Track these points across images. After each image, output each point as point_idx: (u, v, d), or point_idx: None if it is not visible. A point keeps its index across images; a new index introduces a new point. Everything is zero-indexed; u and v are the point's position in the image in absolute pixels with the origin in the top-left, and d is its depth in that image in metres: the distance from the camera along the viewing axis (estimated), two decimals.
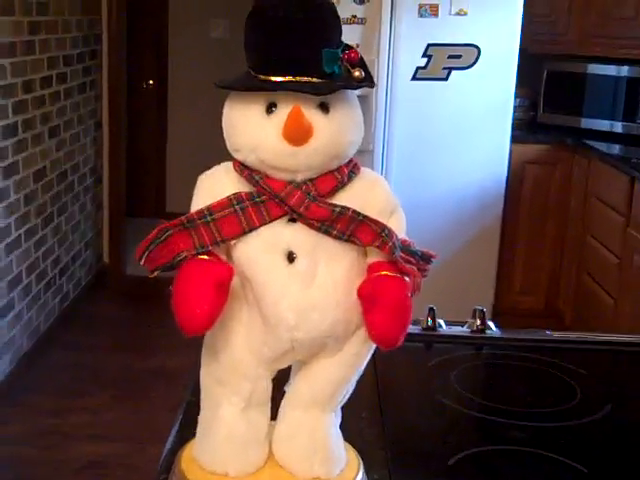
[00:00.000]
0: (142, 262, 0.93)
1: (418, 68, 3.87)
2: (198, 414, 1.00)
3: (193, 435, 1.01)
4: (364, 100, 0.89)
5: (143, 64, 5.99)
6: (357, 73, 0.92)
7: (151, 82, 6.10)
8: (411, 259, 0.94)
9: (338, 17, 0.92)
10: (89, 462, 3.05)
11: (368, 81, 0.93)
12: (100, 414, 3.40)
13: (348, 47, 0.93)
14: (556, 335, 1.48)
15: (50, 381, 3.67)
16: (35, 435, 3.21)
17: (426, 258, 0.96)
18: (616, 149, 4.03)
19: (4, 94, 3.41)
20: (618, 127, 4.19)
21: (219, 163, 0.98)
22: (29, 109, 3.71)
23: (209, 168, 0.98)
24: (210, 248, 0.91)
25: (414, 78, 3.89)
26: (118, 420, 3.36)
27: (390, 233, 0.92)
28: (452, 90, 3.90)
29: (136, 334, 4.25)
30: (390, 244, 0.91)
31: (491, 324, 1.47)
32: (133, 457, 3.07)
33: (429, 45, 3.83)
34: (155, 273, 0.94)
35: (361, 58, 0.94)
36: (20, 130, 3.60)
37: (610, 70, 4.19)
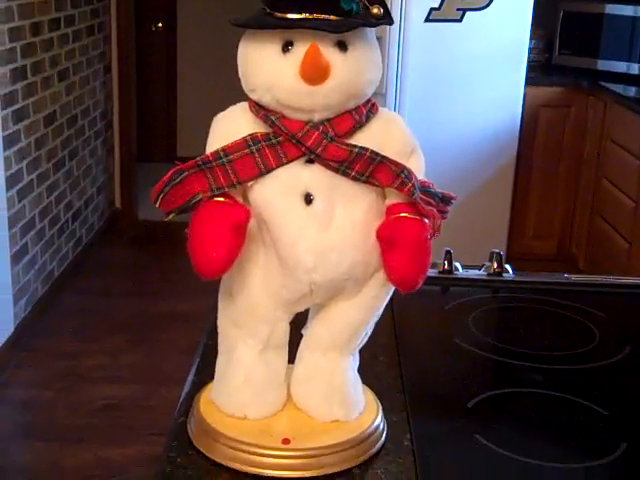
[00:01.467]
0: (157, 204, 0.92)
1: (432, 9, 3.80)
2: (215, 358, 1.00)
3: (211, 379, 1.01)
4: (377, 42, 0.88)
5: (151, 6, 5.91)
6: (375, 10, 0.90)
7: (160, 24, 6.02)
8: (431, 200, 0.92)
9: None
10: (105, 404, 3.09)
11: (387, 18, 0.91)
12: (115, 357, 3.43)
13: None
14: (574, 278, 1.47)
15: (65, 325, 3.70)
16: (51, 378, 3.25)
17: (446, 200, 0.95)
18: (632, 91, 3.97)
19: (12, 37, 3.37)
20: (635, 69, 4.12)
21: (230, 105, 0.96)
22: (38, 52, 3.67)
23: (220, 111, 0.96)
24: (226, 190, 0.90)
25: (427, 20, 3.82)
26: (133, 363, 3.39)
27: (409, 174, 0.90)
28: (466, 32, 3.83)
29: (149, 278, 4.26)
30: (410, 185, 0.90)
31: (508, 267, 1.46)
32: (149, 399, 3.11)
33: None
34: (170, 216, 0.93)
35: None
36: (29, 73, 3.57)
37: (627, 10, 4.11)
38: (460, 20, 3.82)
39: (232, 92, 0.95)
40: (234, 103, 0.95)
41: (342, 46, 0.88)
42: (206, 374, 1.05)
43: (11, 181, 3.40)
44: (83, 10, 4.29)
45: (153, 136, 6.03)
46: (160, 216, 0.93)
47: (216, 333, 1.00)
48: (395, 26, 3.77)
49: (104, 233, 4.75)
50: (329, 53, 0.87)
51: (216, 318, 0.99)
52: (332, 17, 0.86)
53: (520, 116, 3.99)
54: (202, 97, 5.85)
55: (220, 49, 5.43)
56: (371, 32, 0.92)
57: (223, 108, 0.96)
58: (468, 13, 3.81)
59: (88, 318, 3.78)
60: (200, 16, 5.91)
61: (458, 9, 3.81)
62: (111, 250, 4.68)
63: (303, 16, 0.86)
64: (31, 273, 3.63)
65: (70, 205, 4.18)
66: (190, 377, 1.11)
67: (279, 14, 0.87)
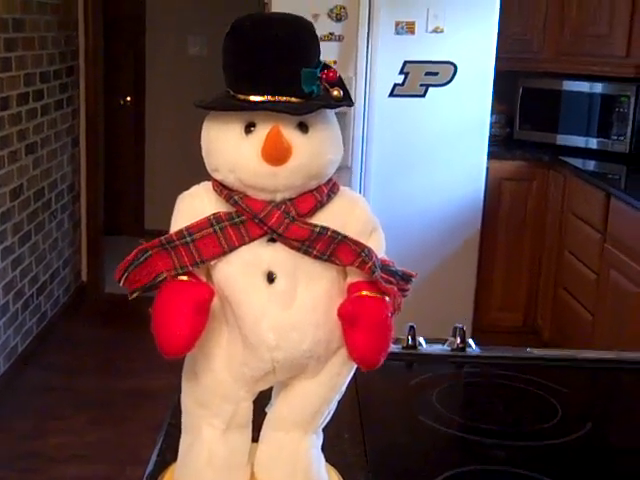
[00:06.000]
0: (122, 283, 0.92)
1: (395, 85, 3.89)
2: (179, 437, 0.99)
3: (174, 459, 1.00)
4: (342, 117, 0.90)
5: (120, 81, 5.98)
6: (336, 92, 0.93)
7: (128, 99, 6.08)
8: (391, 279, 0.94)
9: (316, 37, 0.93)
10: None
11: (347, 100, 0.93)
12: (80, 436, 3.36)
13: (327, 67, 0.94)
14: (536, 353, 1.49)
15: (28, 403, 3.62)
16: (14, 458, 3.17)
17: (406, 278, 0.96)
18: (591, 165, 4.06)
19: None
20: (593, 143, 4.22)
21: (197, 180, 0.98)
22: (5, 126, 3.68)
23: (187, 185, 0.97)
24: (190, 269, 0.91)
25: (391, 95, 3.90)
26: (98, 442, 3.32)
27: (370, 253, 0.91)
28: (429, 107, 3.92)
29: (115, 354, 4.21)
30: (370, 264, 0.91)
31: (471, 342, 1.47)
32: (114, 479, 3.04)
33: (406, 62, 3.85)
34: (135, 294, 0.93)
35: (339, 77, 0.94)
36: None
37: (584, 87, 4.23)
38: (423, 95, 3.91)
39: (200, 167, 0.97)
40: (202, 177, 0.97)
41: (303, 127, 0.90)
42: (170, 454, 1.04)
43: None
44: (52, 85, 4.33)
45: (120, 209, 6.03)
46: (127, 290, 0.93)
47: (180, 412, 0.99)
48: (360, 100, 3.85)
49: (70, 307, 4.70)
50: (290, 134, 0.89)
51: (179, 398, 0.99)
52: (293, 99, 0.89)
53: (483, 189, 4.06)
54: (170, 171, 5.88)
55: (188, 124, 5.47)
56: (331, 113, 0.95)
57: (191, 182, 0.98)
58: (431, 89, 3.89)
59: (52, 395, 3.71)
60: (168, 91, 5.98)
61: (421, 85, 3.90)
62: (77, 325, 4.62)
63: (265, 98, 0.89)
64: None
65: (35, 279, 4.15)
66: (153, 457, 1.10)
67: (242, 96, 0.90)
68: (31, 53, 3.99)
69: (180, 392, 0.98)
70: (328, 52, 3.68)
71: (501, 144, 4.42)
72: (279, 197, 0.91)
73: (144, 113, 6.12)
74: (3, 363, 3.70)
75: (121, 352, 4.19)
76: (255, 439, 0.98)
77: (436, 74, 3.86)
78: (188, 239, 0.91)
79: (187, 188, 0.97)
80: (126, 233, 5.75)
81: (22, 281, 3.95)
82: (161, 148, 6.09)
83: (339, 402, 0.99)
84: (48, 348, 4.18)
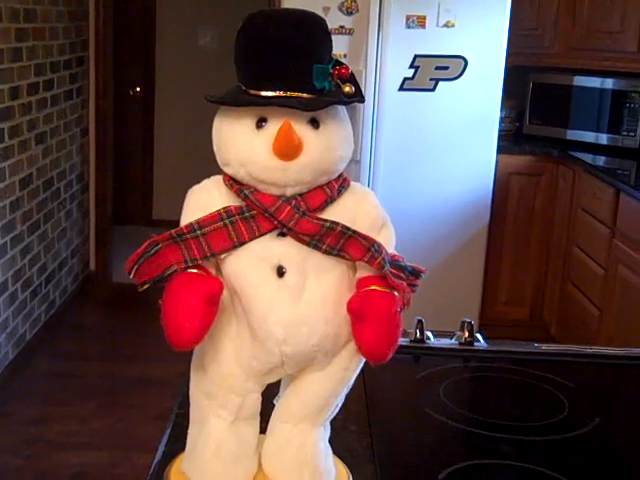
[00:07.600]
0: (132, 276, 0.93)
1: (405, 79, 3.89)
2: (186, 427, 1.00)
3: (182, 449, 1.01)
4: (351, 110, 0.90)
5: (130, 71, 5.98)
6: (347, 89, 0.93)
7: (138, 89, 6.09)
8: (400, 274, 0.94)
9: (329, 33, 0.93)
10: (74, 472, 3.04)
11: (358, 96, 0.94)
12: (86, 423, 3.38)
13: (339, 63, 0.94)
14: (544, 348, 1.49)
15: (35, 390, 3.65)
16: (20, 444, 3.19)
17: (415, 273, 0.97)
18: (601, 161, 4.05)
19: None
20: (603, 139, 4.21)
21: (205, 170, 0.98)
22: (16, 116, 3.69)
23: (196, 175, 0.98)
24: (200, 262, 0.92)
25: (401, 89, 3.90)
26: (104, 429, 3.34)
27: (379, 248, 0.92)
28: (439, 101, 3.92)
29: (122, 342, 4.23)
30: (379, 259, 0.91)
31: (479, 336, 1.48)
32: (119, 466, 3.06)
33: (416, 56, 3.85)
34: (145, 286, 0.94)
35: (351, 74, 0.94)
36: (6, 137, 3.59)
37: (595, 82, 4.22)
38: (433, 89, 3.91)
39: (208, 158, 0.97)
40: (210, 168, 0.97)
41: (314, 123, 0.90)
42: (177, 444, 1.05)
43: None
44: (62, 75, 4.34)
45: (129, 199, 6.05)
46: (137, 282, 0.94)
47: (187, 402, 1.00)
48: (370, 94, 3.85)
49: (77, 296, 4.73)
50: (302, 130, 0.89)
51: (188, 387, 0.99)
52: (305, 95, 0.89)
53: (492, 183, 4.06)
54: (178, 161, 5.90)
55: (197, 115, 5.49)
56: (343, 109, 0.95)
57: (199, 173, 0.98)
58: (441, 83, 3.89)
59: (59, 382, 3.73)
60: (178, 82, 5.99)
61: (431, 79, 3.89)
62: (84, 313, 4.64)
63: (277, 94, 0.89)
64: (2, 337, 3.60)
65: (44, 268, 4.16)
66: (161, 447, 1.11)
67: (253, 91, 0.90)
68: (42, 43, 4.00)
69: (189, 383, 0.99)
70: (338, 45, 3.68)
71: (511, 139, 4.42)
72: (289, 192, 0.91)
73: (153, 104, 6.12)
74: (12, 350, 3.72)
75: (128, 340, 4.22)
76: (263, 430, 0.99)
77: (446, 68, 3.86)
78: (198, 232, 0.91)
79: (195, 178, 0.98)
80: (134, 223, 5.77)
81: (31, 270, 3.97)
82: (170, 139, 6.10)
83: (347, 395, 0.99)
84: (56, 336, 4.20)
